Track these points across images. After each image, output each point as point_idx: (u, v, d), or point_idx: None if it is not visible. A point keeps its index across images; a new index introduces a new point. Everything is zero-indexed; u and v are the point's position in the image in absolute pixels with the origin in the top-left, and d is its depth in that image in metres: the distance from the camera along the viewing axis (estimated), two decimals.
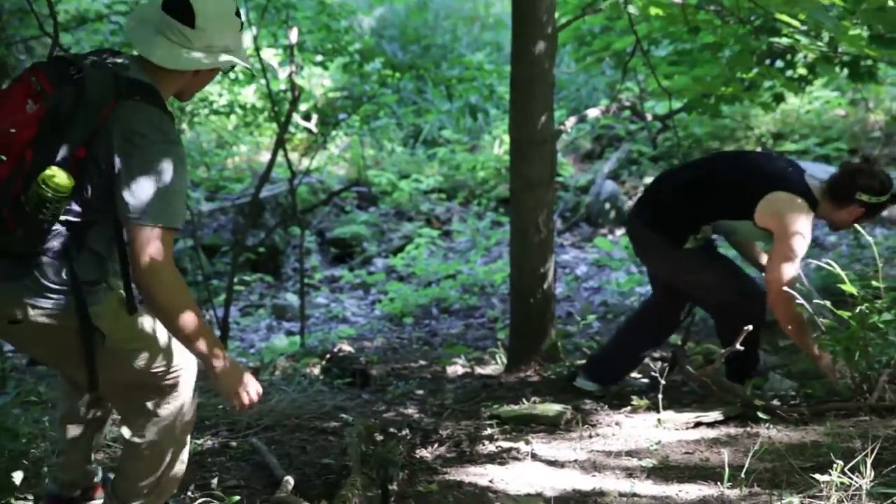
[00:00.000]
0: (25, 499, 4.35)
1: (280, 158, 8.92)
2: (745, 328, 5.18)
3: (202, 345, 3.42)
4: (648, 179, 12.39)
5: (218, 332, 7.74)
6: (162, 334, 3.53)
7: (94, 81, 3.38)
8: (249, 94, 10.22)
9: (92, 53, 3.54)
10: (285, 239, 11.74)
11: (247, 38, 9.14)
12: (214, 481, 4.53)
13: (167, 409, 3.62)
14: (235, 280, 8.77)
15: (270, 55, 9.29)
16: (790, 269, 5.31)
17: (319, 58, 9.46)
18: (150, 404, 3.59)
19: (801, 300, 5.19)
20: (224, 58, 3.51)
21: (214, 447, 5.11)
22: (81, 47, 9.57)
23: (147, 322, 3.53)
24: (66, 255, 3.33)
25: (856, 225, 5.49)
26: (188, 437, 3.74)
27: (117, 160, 3.32)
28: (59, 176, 3.24)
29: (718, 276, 5.61)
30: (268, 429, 5.36)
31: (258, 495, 4.30)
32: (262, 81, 8.70)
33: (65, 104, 3.34)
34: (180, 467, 3.75)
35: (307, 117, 10.47)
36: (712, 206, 5.56)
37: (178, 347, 3.54)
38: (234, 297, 9.64)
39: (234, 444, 5.08)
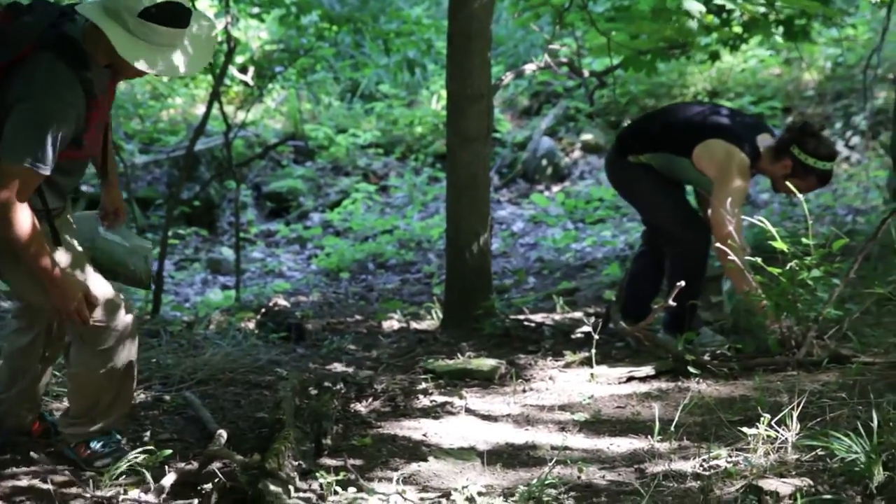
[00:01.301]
0: None
1: (215, 111, 8.85)
2: (679, 284, 5.26)
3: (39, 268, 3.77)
4: (586, 136, 12.47)
5: (152, 286, 7.68)
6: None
7: (25, 25, 3.75)
8: None
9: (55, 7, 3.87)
10: (221, 192, 11.68)
11: None
12: (147, 434, 4.52)
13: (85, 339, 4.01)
14: (170, 234, 8.70)
15: (206, 6, 9.19)
16: (730, 213, 5.41)
17: (256, 10, 9.36)
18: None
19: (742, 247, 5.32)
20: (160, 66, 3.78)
21: (147, 401, 5.08)
22: None
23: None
24: None
25: (792, 188, 5.55)
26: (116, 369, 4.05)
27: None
28: None
29: (667, 202, 5.81)
30: (201, 383, 5.36)
31: (191, 449, 4.30)
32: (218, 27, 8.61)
33: None
34: (106, 398, 4.12)
35: (243, 70, 10.41)
36: (660, 136, 5.79)
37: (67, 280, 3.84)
38: (169, 251, 9.57)
39: (167, 397, 5.06)
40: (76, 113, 3.77)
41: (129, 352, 4.09)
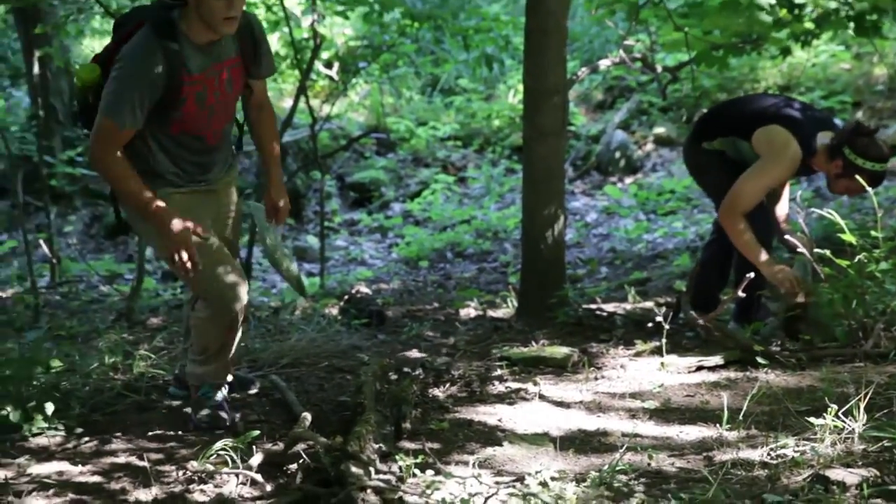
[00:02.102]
0: (56, 427, 4.41)
1: (302, 105, 8.93)
2: (748, 275, 5.24)
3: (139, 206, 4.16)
4: (658, 129, 12.39)
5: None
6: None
7: (137, 10, 4.34)
8: (273, 42, 10.19)
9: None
10: (306, 183, 11.76)
11: None
12: (237, 416, 4.58)
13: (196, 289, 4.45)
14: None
15: (294, 4, 9.25)
16: (753, 192, 5.46)
17: (340, 8, 9.40)
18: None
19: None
20: None
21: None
22: None
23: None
24: None
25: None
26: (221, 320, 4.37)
27: None
28: (83, 69, 4.25)
29: (726, 181, 5.65)
30: (287, 366, 5.42)
31: (277, 430, 4.35)
32: (286, 30, 8.66)
33: None
34: (214, 345, 4.45)
35: (329, 65, 10.44)
36: (731, 121, 5.76)
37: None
38: (257, 240, 9.65)
39: (258, 380, 5.12)
40: (154, 77, 4.04)
41: (231, 309, 4.34)
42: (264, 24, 9.43)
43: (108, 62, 4.14)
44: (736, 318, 5.80)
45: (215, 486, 3.75)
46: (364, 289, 7.17)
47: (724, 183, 5.67)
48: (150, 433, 4.41)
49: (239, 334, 4.52)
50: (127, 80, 4.03)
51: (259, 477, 3.77)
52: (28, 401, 4.47)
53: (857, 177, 5.26)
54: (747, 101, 6.06)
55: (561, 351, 5.45)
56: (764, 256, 5.45)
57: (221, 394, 4.53)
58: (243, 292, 4.38)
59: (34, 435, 4.36)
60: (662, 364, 5.29)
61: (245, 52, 4.29)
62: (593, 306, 6.55)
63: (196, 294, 4.51)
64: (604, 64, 7.15)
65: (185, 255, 4.10)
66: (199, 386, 4.52)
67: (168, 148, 4.25)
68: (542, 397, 4.85)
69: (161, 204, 4.13)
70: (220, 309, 4.36)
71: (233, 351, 4.54)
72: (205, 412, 4.46)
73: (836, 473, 3.55)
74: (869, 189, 5.26)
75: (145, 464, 3.97)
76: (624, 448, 4.05)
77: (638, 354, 5.52)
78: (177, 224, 4.11)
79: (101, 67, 4.18)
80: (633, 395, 4.86)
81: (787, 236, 5.75)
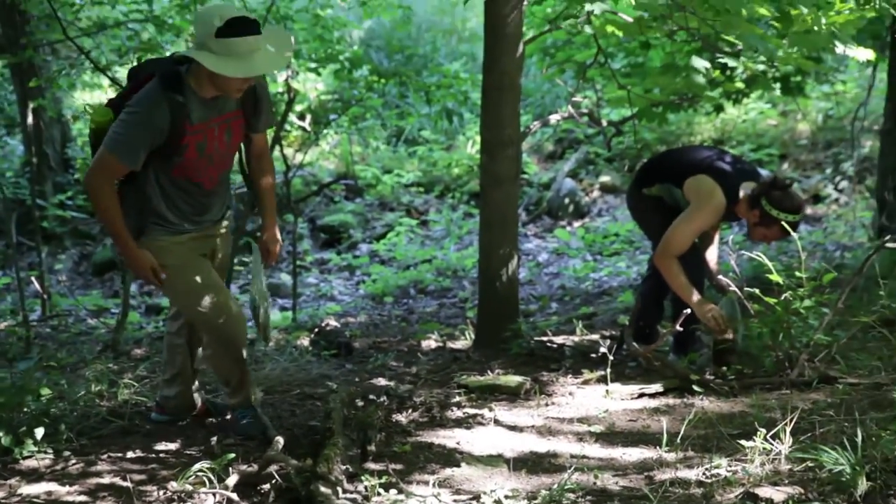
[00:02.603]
0: (45, 451, 4.37)
1: (276, 153, 8.89)
2: (685, 311, 5.28)
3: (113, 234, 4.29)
4: (604, 178, 12.48)
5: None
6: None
7: (150, 63, 4.39)
8: None
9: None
10: (281, 225, 11.63)
11: None
12: (213, 440, 4.55)
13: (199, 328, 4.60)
14: (236, 261, 8.74)
15: None
16: (684, 237, 5.50)
17: (313, 64, 9.43)
18: None
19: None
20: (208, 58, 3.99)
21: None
22: (101, 51, 9.53)
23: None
24: None
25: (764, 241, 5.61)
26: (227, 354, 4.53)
27: None
28: (97, 112, 4.27)
29: (663, 224, 5.68)
30: (263, 393, 5.38)
31: (252, 453, 4.32)
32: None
33: None
34: (234, 377, 4.59)
35: (302, 117, 10.44)
36: (667, 170, 5.79)
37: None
38: (235, 277, 9.61)
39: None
40: (158, 125, 4.10)
41: (235, 343, 4.50)
42: None
43: (121, 107, 4.19)
44: (674, 350, 5.86)
45: None
46: (333, 322, 7.15)
47: (661, 226, 5.71)
48: (133, 455, 4.38)
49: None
50: (133, 124, 4.09)
51: (235, 496, 3.74)
52: (19, 426, 4.44)
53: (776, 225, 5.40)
54: (683, 151, 6.12)
55: (514, 379, 5.44)
56: (696, 296, 5.48)
57: (253, 408, 4.67)
58: (243, 327, 4.52)
59: (25, 458, 4.32)
60: (607, 391, 5.30)
61: (246, 107, 4.33)
62: (544, 338, 6.56)
63: (200, 333, 4.61)
64: (554, 118, 7.20)
65: (151, 279, 4.29)
66: (235, 412, 4.68)
67: (167, 189, 4.28)
68: (496, 422, 4.84)
69: (130, 239, 4.25)
70: (224, 345, 4.50)
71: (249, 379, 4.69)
72: (246, 420, 4.60)
73: (765, 491, 3.57)
74: (789, 234, 5.34)
75: (128, 484, 3.94)
76: (572, 469, 4.05)
77: (585, 382, 5.53)
78: (143, 257, 4.26)
79: (113, 112, 4.21)
80: (581, 420, 4.86)
81: (718, 277, 5.80)
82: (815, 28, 5.25)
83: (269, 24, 4.22)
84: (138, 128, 4.09)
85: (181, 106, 4.12)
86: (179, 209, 4.34)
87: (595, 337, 6.61)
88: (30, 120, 9.80)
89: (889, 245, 5.96)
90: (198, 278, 4.37)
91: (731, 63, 6.50)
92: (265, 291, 4.69)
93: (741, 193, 5.52)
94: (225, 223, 4.62)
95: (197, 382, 4.86)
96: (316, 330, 6.92)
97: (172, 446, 4.50)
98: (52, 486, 3.98)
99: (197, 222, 4.43)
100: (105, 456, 4.36)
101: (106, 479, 4.06)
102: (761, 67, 6.99)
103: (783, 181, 5.56)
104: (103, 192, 4.17)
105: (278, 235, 4.74)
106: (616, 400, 5.19)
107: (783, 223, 5.38)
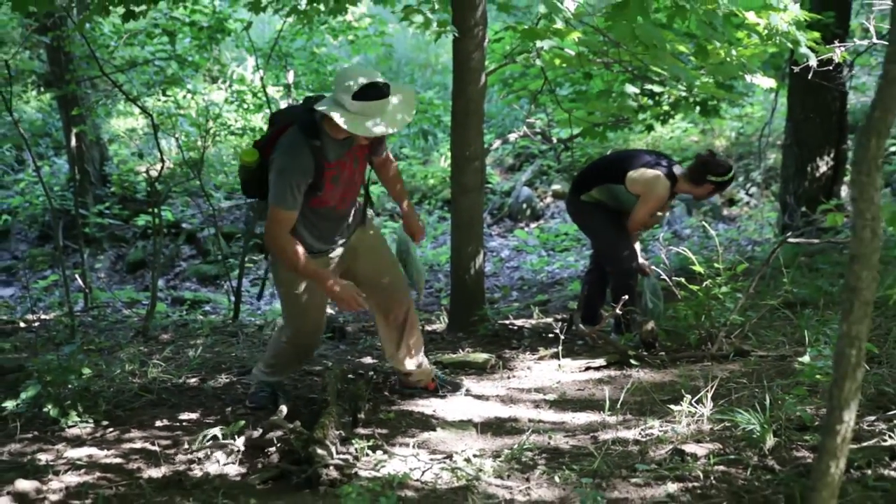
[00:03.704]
0: (87, 421, 4.32)
1: None
2: (624, 297, 5.28)
3: (308, 274, 4.13)
4: (555, 186, 12.44)
5: (233, 298, 7.67)
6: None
7: (287, 112, 4.24)
8: (258, 119, 10.13)
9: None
10: None
11: (254, 78, 9.07)
12: (228, 410, 4.51)
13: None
14: (246, 259, 8.68)
15: (273, 91, 9.21)
16: (643, 217, 5.63)
17: (310, 93, 9.40)
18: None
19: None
20: (341, 118, 3.88)
21: (230, 382, 5.07)
22: (132, 84, 9.46)
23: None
24: None
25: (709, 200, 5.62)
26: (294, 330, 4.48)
27: None
28: (246, 153, 4.15)
29: (609, 232, 5.81)
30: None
31: (260, 421, 4.27)
32: (267, 110, 8.63)
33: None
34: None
35: None
36: (602, 173, 5.82)
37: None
38: (246, 273, 9.56)
39: (246, 381, 5.05)
40: (306, 167, 4.03)
41: (307, 345, 4.56)
42: (251, 107, 9.41)
43: (266, 149, 4.12)
44: (615, 329, 5.84)
45: (210, 465, 3.68)
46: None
47: (601, 224, 5.75)
48: (160, 424, 4.32)
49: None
50: (285, 172, 3.98)
51: (241, 458, 3.71)
52: (64, 400, 4.39)
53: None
54: (611, 158, 6.07)
55: (481, 356, 5.43)
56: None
57: (272, 386, 4.65)
58: (319, 336, 4.55)
59: (69, 427, 4.26)
60: (559, 366, 5.29)
61: (372, 141, 4.26)
62: (506, 322, 6.54)
63: (286, 325, 4.55)
64: (512, 137, 7.17)
65: (352, 303, 4.14)
66: (259, 384, 4.66)
67: (308, 216, 4.19)
68: (467, 392, 4.82)
69: (324, 272, 4.16)
70: (300, 350, 4.56)
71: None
72: (263, 393, 4.57)
73: (690, 447, 3.56)
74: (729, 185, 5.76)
75: (156, 448, 3.90)
76: (530, 431, 4.03)
77: (541, 358, 5.52)
78: (342, 290, 4.13)
79: (259, 152, 4.15)
80: (537, 390, 4.85)
81: (640, 261, 5.81)
82: (728, 60, 5.26)
83: (397, 83, 4.11)
84: (292, 175, 3.99)
85: (319, 149, 4.05)
86: (318, 229, 4.28)
87: (549, 320, 6.60)
88: (73, 143, 9.74)
89: (790, 240, 5.99)
90: (305, 296, 4.34)
91: (657, 90, 6.49)
92: (417, 261, 4.79)
93: (676, 172, 5.66)
94: (361, 230, 4.57)
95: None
96: None
97: (193, 416, 4.45)
98: (93, 451, 3.93)
99: (331, 241, 4.39)
100: (136, 425, 4.31)
101: (137, 445, 4.01)
102: (683, 93, 6.99)
103: (710, 154, 5.73)
104: (287, 245, 4.06)
105: (419, 223, 4.77)
106: (567, 373, 5.18)
107: (726, 183, 5.65)
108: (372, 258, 4.54)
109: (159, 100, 9.17)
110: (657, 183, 5.57)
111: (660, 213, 5.80)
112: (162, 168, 7.82)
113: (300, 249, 4.08)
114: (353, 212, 4.47)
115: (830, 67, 5.19)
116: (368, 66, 4.00)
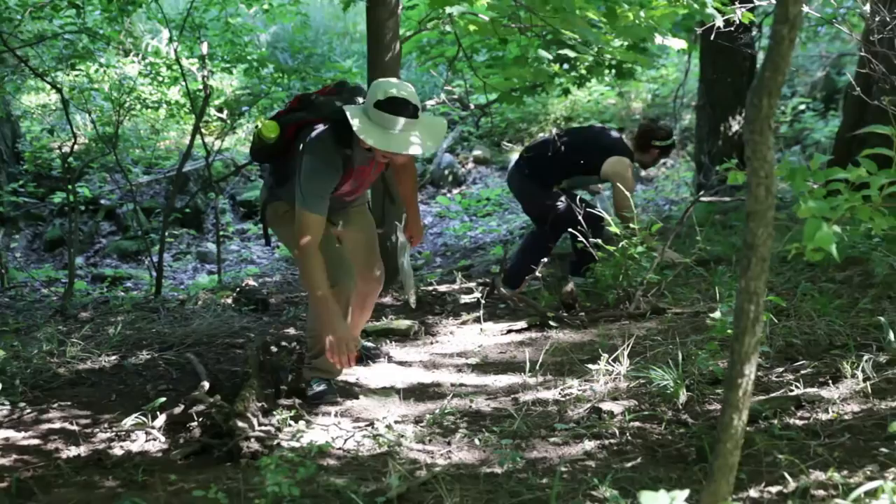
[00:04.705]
0: (3, 403, 4.23)
1: (199, 141, 8.69)
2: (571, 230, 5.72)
3: (317, 297, 3.88)
4: (476, 152, 12.45)
5: (154, 273, 7.55)
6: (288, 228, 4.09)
7: (325, 104, 4.05)
8: (174, 93, 9.94)
9: (358, 92, 4.12)
10: (205, 202, 11.44)
11: (169, 50, 8.89)
12: (149, 386, 4.45)
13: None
14: (167, 234, 8.55)
15: (188, 63, 9.02)
16: (625, 198, 5.79)
17: (226, 65, 9.23)
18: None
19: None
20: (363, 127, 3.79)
21: (151, 359, 5.00)
22: (42, 60, 9.17)
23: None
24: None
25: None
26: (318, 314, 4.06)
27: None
28: (267, 127, 4.01)
29: (544, 198, 6.18)
30: (192, 345, 5.28)
31: (181, 397, 4.24)
32: (183, 83, 8.46)
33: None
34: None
35: (220, 110, 10.22)
36: (571, 168, 6.16)
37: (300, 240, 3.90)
38: (167, 247, 9.43)
39: (167, 357, 4.98)
40: (336, 173, 3.97)
41: (344, 293, 4.12)
42: (166, 81, 9.22)
43: (290, 132, 4.04)
44: (571, 270, 6.26)
45: (131, 443, 3.64)
46: (252, 282, 7.05)
47: (548, 207, 6.09)
48: (80, 403, 4.25)
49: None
50: (316, 178, 3.88)
51: (161, 435, 3.67)
52: None
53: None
54: (579, 148, 6.15)
55: (405, 323, 5.45)
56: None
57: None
58: (352, 282, 4.20)
59: None
60: (481, 329, 5.34)
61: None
62: (430, 288, 6.56)
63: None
64: (430, 103, 7.16)
65: (342, 349, 3.85)
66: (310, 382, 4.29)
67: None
68: (390, 359, 4.84)
69: (335, 307, 3.89)
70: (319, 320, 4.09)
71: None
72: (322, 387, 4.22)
73: (607, 405, 3.62)
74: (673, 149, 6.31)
75: (75, 427, 3.83)
76: (451, 395, 4.07)
77: (463, 323, 5.56)
78: (340, 331, 3.87)
79: (280, 129, 4.03)
80: (460, 354, 4.89)
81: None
82: (637, 22, 5.31)
83: (429, 114, 4.00)
84: (324, 181, 3.91)
85: (349, 157, 4.00)
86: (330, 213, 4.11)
87: (472, 285, 6.63)
88: None
89: (703, 199, 6.10)
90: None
91: (570, 54, 6.52)
92: (407, 263, 4.68)
93: (629, 144, 6.13)
94: (357, 207, 4.48)
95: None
96: (237, 289, 6.80)
97: (113, 394, 4.38)
98: (9, 433, 3.85)
99: (338, 213, 4.31)
100: (55, 405, 4.23)
101: (56, 425, 3.93)
102: (590, 59, 7.04)
103: (652, 124, 6.27)
104: (314, 256, 3.85)
105: (421, 227, 4.71)
106: (489, 336, 5.23)
107: (669, 147, 6.18)
108: (359, 233, 4.52)
109: (67, 75, 8.89)
110: (626, 167, 5.98)
111: (596, 187, 6.52)
112: (74, 144, 7.63)
113: (320, 265, 3.88)
114: (360, 199, 4.48)
115: (733, 28, 5.26)
116: (401, 84, 3.85)
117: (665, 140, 6.09)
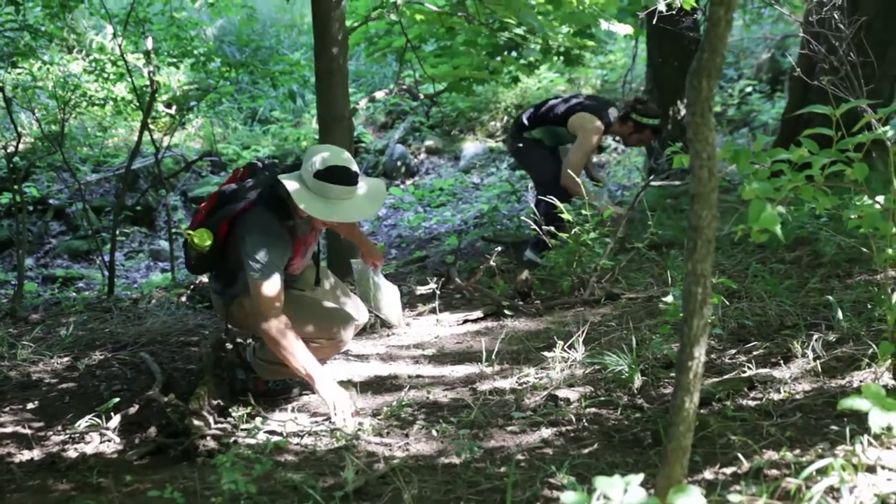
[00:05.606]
0: None
1: (147, 137, 8.59)
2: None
3: (300, 367, 3.77)
4: (428, 142, 12.44)
5: (106, 273, 7.45)
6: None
7: (249, 188, 3.94)
8: (121, 90, 9.81)
9: (275, 167, 4.08)
10: (156, 199, 11.33)
11: (114, 46, 8.77)
12: (102, 386, 4.40)
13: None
14: (118, 232, 8.44)
15: (133, 59, 8.90)
16: (579, 159, 6.09)
17: (172, 60, 9.11)
18: None
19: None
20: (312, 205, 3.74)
21: (105, 359, 4.94)
22: None
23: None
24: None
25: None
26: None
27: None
28: (198, 235, 3.85)
29: (545, 164, 6.35)
30: (146, 344, 5.23)
31: (136, 395, 4.19)
32: (129, 79, 8.35)
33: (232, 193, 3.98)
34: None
35: (168, 105, 10.10)
36: (544, 116, 6.36)
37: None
38: (119, 246, 9.31)
39: (121, 356, 4.92)
40: (286, 246, 3.87)
41: (339, 342, 4.12)
42: (112, 77, 9.09)
43: (222, 232, 3.90)
44: (532, 248, 6.40)
45: (85, 445, 3.59)
46: (206, 279, 6.97)
47: (542, 161, 6.33)
48: (32, 406, 4.19)
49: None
50: (268, 250, 3.75)
51: (116, 436, 3.64)
52: None
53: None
54: (553, 104, 6.39)
55: None
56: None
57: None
58: (351, 324, 4.19)
59: None
60: (437, 320, 5.34)
61: None
62: None
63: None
64: (379, 95, 7.11)
65: (345, 408, 3.71)
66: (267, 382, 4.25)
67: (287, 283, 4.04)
68: (347, 353, 4.82)
69: (321, 370, 3.79)
70: (329, 341, 4.10)
71: None
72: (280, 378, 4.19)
73: (564, 392, 3.65)
74: (660, 134, 6.39)
75: (28, 431, 3.78)
76: (408, 387, 4.07)
77: (419, 314, 5.55)
78: (335, 394, 3.75)
79: (213, 234, 3.90)
80: (416, 346, 4.89)
81: (594, 172, 6.67)
82: (581, 8, 5.33)
83: (368, 177, 3.92)
84: (274, 250, 3.77)
85: (293, 228, 3.94)
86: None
87: (427, 277, 6.63)
88: None
89: (654, 183, 6.15)
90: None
91: (517, 39, 6.56)
92: (375, 289, 4.92)
93: (612, 117, 6.17)
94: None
95: None
96: (192, 287, 6.75)
97: (67, 396, 4.33)
98: None
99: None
100: (7, 409, 4.17)
101: (8, 429, 3.88)
102: (541, 45, 7.07)
103: (641, 98, 6.29)
104: (284, 330, 3.73)
105: (376, 249, 4.95)
106: (445, 327, 5.23)
107: (651, 126, 6.16)
108: (324, 281, 4.54)
109: (9, 73, 8.74)
110: (592, 125, 6.07)
111: (601, 175, 6.73)
112: (18, 143, 7.51)
113: (298, 341, 3.76)
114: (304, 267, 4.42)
115: (674, 12, 5.30)
116: (338, 151, 3.77)
117: (643, 116, 6.12)
